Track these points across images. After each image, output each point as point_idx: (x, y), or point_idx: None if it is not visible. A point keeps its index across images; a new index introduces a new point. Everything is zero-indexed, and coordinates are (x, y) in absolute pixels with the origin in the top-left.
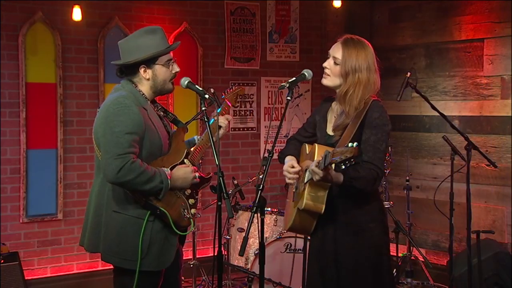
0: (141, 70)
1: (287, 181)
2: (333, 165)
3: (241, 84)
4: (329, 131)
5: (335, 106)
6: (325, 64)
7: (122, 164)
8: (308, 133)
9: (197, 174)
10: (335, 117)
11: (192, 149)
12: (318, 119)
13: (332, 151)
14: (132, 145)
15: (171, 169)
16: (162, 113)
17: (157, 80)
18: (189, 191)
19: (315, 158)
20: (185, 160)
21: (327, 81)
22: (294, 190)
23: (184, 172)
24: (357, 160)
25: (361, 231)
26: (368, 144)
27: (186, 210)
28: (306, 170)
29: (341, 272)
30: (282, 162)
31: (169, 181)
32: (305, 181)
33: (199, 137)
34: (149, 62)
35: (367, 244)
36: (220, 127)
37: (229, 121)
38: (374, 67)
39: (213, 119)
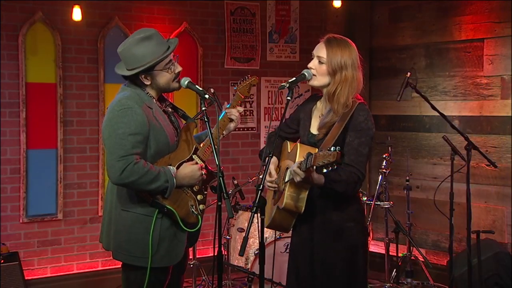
0: (142, 77)
1: (267, 187)
2: (314, 167)
3: None
4: (313, 130)
5: (320, 105)
6: (310, 65)
7: (125, 165)
8: (291, 129)
9: (203, 172)
10: (319, 116)
11: (201, 144)
12: (302, 116)
13: (314, 154)
14: (135, 146)
15: (179, 166)
16: (170, 109)
17: (159, 84)
18: (197, 187)
19: (297, 159)
20: (194, 156)
21: (314, 82)
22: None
23: (191, 170)
24: (339, 163)
25: (338, 231)
26: (352, 147)
27: (194, 207)
28: (287, 168)
29: (315, 271)
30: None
31: (174, 180)
32: (286, 180)
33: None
34: (147, 70)
35: (343, 244)
36: (231, 120)
37: (240, 113)
38: (358, 65)
39: (222, 114)
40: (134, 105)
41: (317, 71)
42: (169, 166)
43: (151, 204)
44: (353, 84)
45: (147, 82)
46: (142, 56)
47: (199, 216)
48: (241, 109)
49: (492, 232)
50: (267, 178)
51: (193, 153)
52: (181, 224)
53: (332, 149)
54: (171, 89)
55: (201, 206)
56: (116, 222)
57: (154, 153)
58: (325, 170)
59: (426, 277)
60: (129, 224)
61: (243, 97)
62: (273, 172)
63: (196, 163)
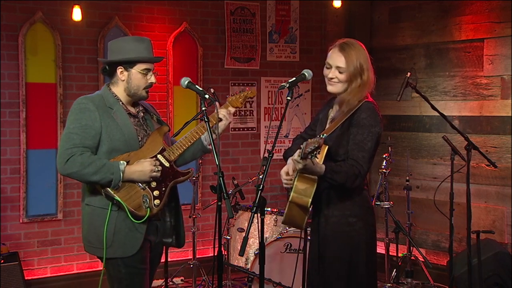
0: (118, 71)
1: (284, 185)
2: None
3: (241, 84)
4: None
5: (335, 106)
6: (330, 75)
7: (69, 156)
8: (313, 131)
9: (156, 168)
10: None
11: (172, 146)
12: (321, 117)
13: (306, 142)
14: (84, 139)
15: None
16: (142, 114)
17: (131, 84)
18: (154, 183)
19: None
20: (159, 156)
21: (333, 88)
22: None
23: (141, 166)
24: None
25: (341, 226)
26: (354, 142)
27: (148, 201)
28: None
29: (321, 265)
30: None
31: (121, 173)
32: (295, 174)
33: (204, 136)
34: (127, 65)
35: (344, 239)
36: (220, 119)
37: (230, 113)
38: (369, 65)
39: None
40: (89, 103)
41: (338, 79)
42: (121, 161)
43: (104, 196)
44: (365, 87)
45: (122, 78)
46: (129, 50)
47: (149, 209)
48: (232, 109)
49: (492, 232)
50: (283, 176)
51: (159, 153)
52: (129, 215)
53: (321, 136)
54: (138, 95)
55: (156, 201)
56: (82, 216)
57: (110, 150)
58: (310, 157)
59: (426, 277)
60: (89, 216)
61: (232, 108)
62: (291, 170)
63: (148, 159)
